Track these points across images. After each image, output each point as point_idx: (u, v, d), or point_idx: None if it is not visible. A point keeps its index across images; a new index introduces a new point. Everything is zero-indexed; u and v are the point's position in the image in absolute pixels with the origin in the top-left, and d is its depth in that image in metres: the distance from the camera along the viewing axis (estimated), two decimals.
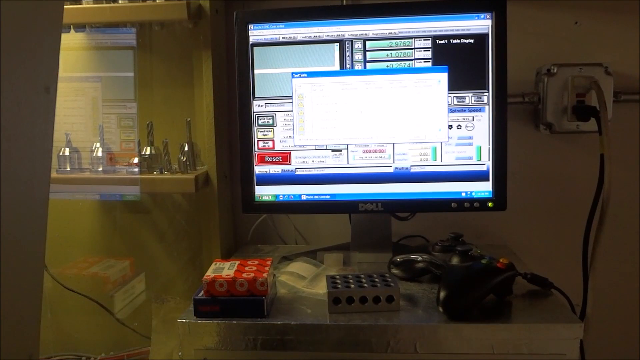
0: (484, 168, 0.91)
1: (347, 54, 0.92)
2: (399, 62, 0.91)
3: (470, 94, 0.90)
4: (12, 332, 0.48)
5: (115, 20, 1.02)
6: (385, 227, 0.98)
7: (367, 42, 0.91)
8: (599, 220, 0.89)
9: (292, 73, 0.92)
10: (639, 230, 1.08)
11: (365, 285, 0.75)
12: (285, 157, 0.94)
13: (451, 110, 0.91)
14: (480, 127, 0.91)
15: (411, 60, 0.91)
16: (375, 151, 0.92)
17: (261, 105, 0.94)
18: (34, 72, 0.50)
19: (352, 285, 0.75)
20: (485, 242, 1.09)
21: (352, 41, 0.92)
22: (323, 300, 0.76)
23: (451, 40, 0.90)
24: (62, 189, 1.03)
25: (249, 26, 0.93)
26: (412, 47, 0.91)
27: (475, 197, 0.92)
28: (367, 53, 0.91)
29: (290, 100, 0.93)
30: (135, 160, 1.03)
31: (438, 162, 0.92)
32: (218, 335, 0.72)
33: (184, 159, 1.01)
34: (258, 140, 0.94)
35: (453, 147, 0.91)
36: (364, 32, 0.91)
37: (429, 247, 0.98)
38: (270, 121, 0.94)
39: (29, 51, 0.48)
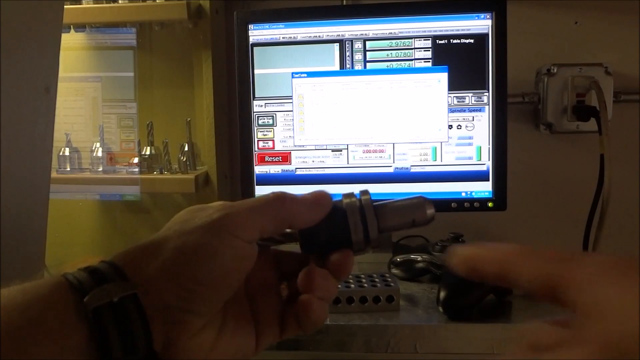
0: (484, 168, 0.91)
1: (347, 54, 0.92)
2: (399, 62, 0.91)
3: (470, 94, 0.90)
4: None
5: (115, 20, 1.02)
6: None
7: (367, 42, 0.91)
8: (599, 220, 0.89)
9: (292, 73, 0.92)
10: (639, 230, 1.08)
11: (365, 285, 0.75)
12: (285, 157, 0.94)
13: (451, 110, 0.91)
14: (480, 127, 0.91)
15: (411, 60, 0.91)
16: (375, 151, 0.92)
17: (261, 105, 0.94)
18: (34, 72, 0.50)
19: (352, 285, 0.75)
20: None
21: (352, 41, 0.92)
22: None
23: (451, 40, 0.90)
24: (62, 189, 1.03)
25: (249, 26, 0.93)
26: (412, 47, 0.91)
27: (475, 197, 0.92)
28: (367, 53, 0.91)
29: (290, 100, 0.93)
30: (135, 160, 1.03)
31: (438, 162, 0.92)
32: None
33: (184, 159, 1.01)
34: (258, 140, 0.94)
35: (453, 147, 0.91)
36: (364, 32, 0.91)
37: (429, 247, 0.98)
38: (270, 121, 0.94)
39: (29, 51, 0.48)
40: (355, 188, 0.91)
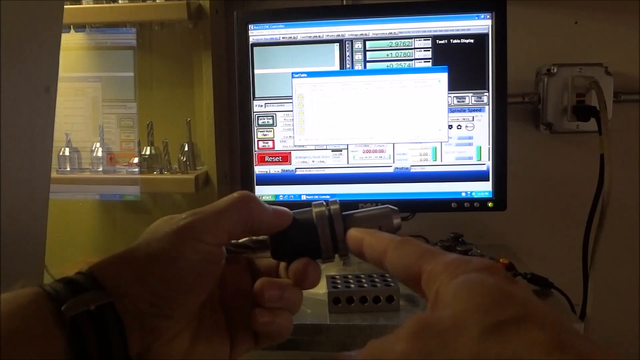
0: (484, 168, 0.91)
1: (347, 54, 0.92)
2: (399, 62, 0.91)
3: (470, 94, 0.90)
4: None
5: (115, 20, 1.02)
6: None
7: (367, 42, 0.91)
8: (599, 220, 0.89)
9: (292, 73, 0.92)
10: (639, 230, 1.08)
11: (365, 285, 0.75)
12: (285, 157, 0.94)
13: (451, 110, 0.91)
14: (480, 127, 0.91)
15: (411, 60, 0.91)
16: (375, 151, 0.92)
17: (261, 105, 0.94)
18: (34, 72, 0.50)
19: (352, 285, 0.75)
20: (485, 242, 1.09)
21: (352, 41, 0.92)
22: (323, 300, 0.76)
23: (451, 40, 0.90)
24: (62, 189, 1.03)
25: (249, 26, 0.93)
26: (412, 47, 0.91)
27: (475, 197, 0.92)
28: (367, 53, 0.91)
29: (290, 100, 0.93)
30: (135, 160, 1.03)
31: (438, 162, 0.92)
32: None
33: (184, 159, 1.01)
34: (258, 140, 0.94)
35: (453, 147, 0.91)
36: (364, 32, 0.91)
37: None
38: (270, 121, 0.94)
39: (29, 51, 0.48)
40: (355, 188, 0.92)
